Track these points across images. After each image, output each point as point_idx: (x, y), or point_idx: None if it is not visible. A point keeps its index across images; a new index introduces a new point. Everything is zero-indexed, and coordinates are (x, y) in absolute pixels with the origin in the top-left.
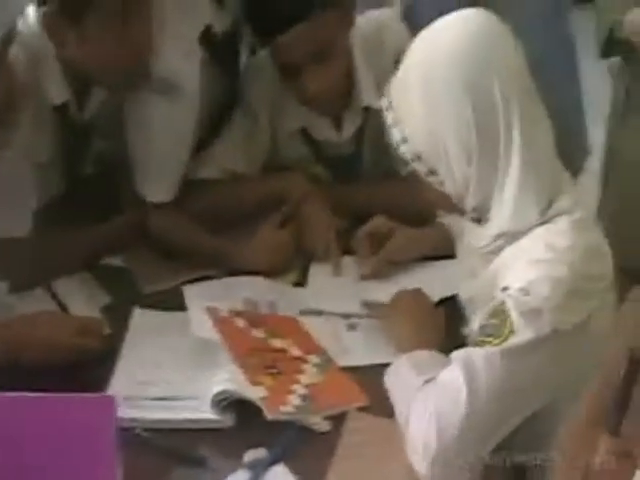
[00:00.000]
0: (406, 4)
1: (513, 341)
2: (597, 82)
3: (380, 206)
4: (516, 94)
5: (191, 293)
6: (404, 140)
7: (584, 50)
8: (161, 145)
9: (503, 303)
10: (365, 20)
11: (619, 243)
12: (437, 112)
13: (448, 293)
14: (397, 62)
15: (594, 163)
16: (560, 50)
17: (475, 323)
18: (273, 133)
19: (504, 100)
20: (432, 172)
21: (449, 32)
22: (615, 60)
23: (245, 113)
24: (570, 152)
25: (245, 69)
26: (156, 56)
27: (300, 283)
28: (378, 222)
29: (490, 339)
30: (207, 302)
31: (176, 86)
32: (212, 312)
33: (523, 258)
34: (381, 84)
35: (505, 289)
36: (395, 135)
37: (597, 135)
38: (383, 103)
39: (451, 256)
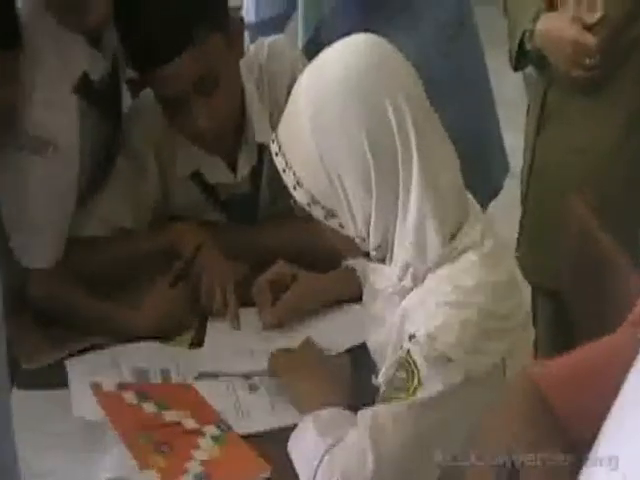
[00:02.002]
0: (311, 30)
1: (421, 395)
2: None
3: (281, 250)
4: (412, 118)
5: (75, 368)
6: (298, 184)
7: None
8: (38, 207)
9: (409, 353)
10: (256, 49)
11: (538, 259)
12: (329, 147)
13: (357, 341)
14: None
15: (514, 179)
16: (468, 63)
17: (383, 376)
18: (162, 179)
19: (400, 125)
20: (331, 214)
21: (336, 59)
22: (530, 69)
23: (129, 160)
24: (488, 171)
25: (128, 112)
26: (25, 113)
27: (197, 343)
28: (279, 268)
29: (397, 394)
30: (92, 376)
31: (50, 143)
32: (96, 388)
33: (430, 301)
34: (276, 118)
35: (411, 337)
36: (288, 180)
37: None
38: (273, 148)
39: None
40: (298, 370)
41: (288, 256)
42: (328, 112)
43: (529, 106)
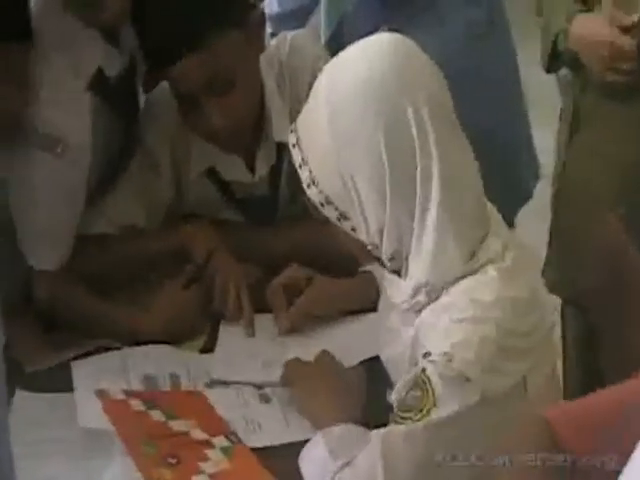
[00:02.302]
0: (334, 25)
1: (436, 415)
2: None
3: (297, 252)
4: (435, 125)
5: (80, 371)
6: (312, 182)
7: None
8: (48, 207)
9: (424, 371)
10: (277, 43)
11: (565, 273)
12: (346, 149)
13: (372, 353)
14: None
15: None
16: (497, 63)
17: (396, 394)
18: (176, 176)
19: (421, 132)
20: (344, 217)
21: (358, 58)
22: (564, 71)
23: (143, 158)
24: (517, 177)
25: (143, 108)
26: (35, 111)
27: (209, 349)
28: (293, 271)
29: (411, 414)
30: (98, 382)
31: (61, 141)
32: (103, 396)
33: (446, 317)
34: (296, 116)
35: (427, 355)
36: (303, 177)
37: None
38: (290, 140)
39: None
40: (313, 382)
41: (304, 259)
42: (347, 113)
43: (562, 110)
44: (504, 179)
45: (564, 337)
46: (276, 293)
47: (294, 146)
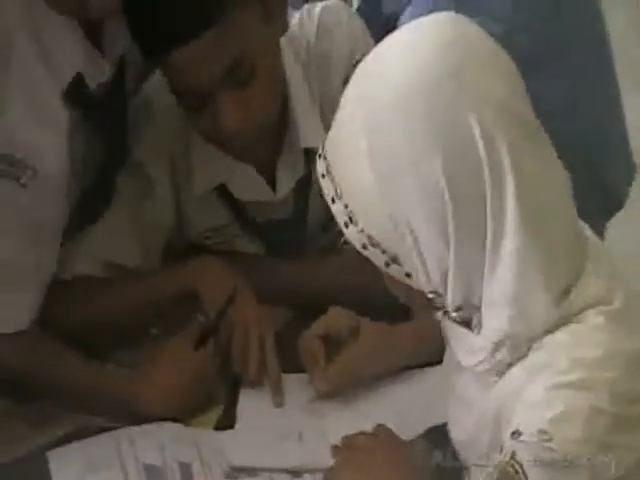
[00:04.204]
0: None
1: None
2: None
3: (337, 292)
4: (509, 140)
5: (61, 465)
6: (350, 220)
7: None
8: (9, 251)
9: (514, 456)
10: (301, 20)
11: None
12: (392, 180)
13: (438, 420)
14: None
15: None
16: (579, 31)
17: None
18: (176, 199)
19: (491, 152)
20: (394, 261)
21: (399, 54)
22: None
23: (134, 178)
24: (607, 179)
25: (132, 114)
26: None
27: (226, 424)
28: (334, 316)
29: None
30: (84, 478)
31: (27, 165)
32: None
33: (539, 383)
34: (328, 116)
35: (515, 434)
36: (338, 213)
37: None
38: (319, 167)
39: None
40: (375, 473)
41: (345, 301)
42: (388, 133)
43: None
44: (590, 183)
45: None
46: (311, 346)
47: (323, 176)
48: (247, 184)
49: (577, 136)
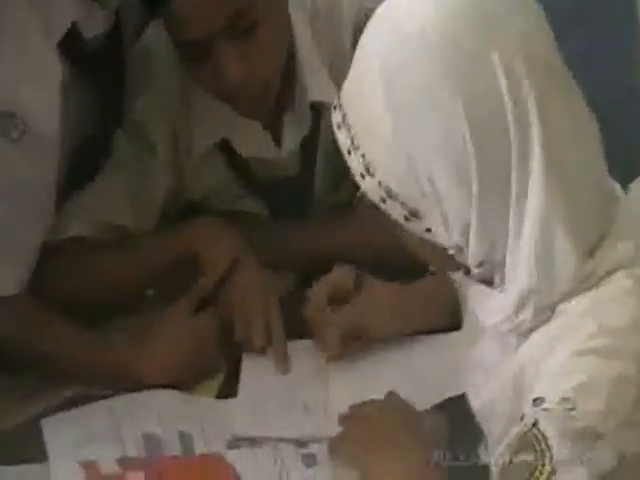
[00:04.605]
0: None
1: None
2: None
3: (344, 252)
4: (535, 81)
5: (55, 433)
6: (367, 171)
7: None
8: (1, 213)
9: (536, 425)
10: None
11: None
12: (413, 129)
13: (455, 391)
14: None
15: None
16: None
17: (498, 459)
18: (175, 157)
19: (515, 95)
20: (414, 215)
21: None
22: None
23: (130, 136)
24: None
25: (130, 66)
26: None
27: (228, 392)
28: (341, 274)
29: None
30: (81, 447)
31: (21, 121)
32: (90, 470)
33: (563, 348)
34: (337, 70)
35: (538, 401)
36: (354, 165)
37: None
38: (334, 117)
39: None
40: (381, 446)
41: (354, 261)
42: (408, 80)
43: None
44: (618, 141)
45: None
46: (317, 309)
47: (339, 127)
48: (251, 139)
49: (610, 95)
